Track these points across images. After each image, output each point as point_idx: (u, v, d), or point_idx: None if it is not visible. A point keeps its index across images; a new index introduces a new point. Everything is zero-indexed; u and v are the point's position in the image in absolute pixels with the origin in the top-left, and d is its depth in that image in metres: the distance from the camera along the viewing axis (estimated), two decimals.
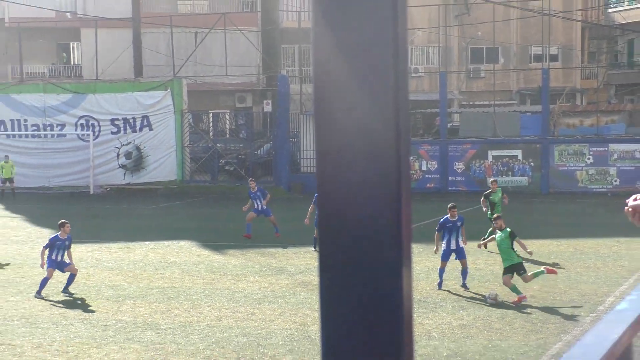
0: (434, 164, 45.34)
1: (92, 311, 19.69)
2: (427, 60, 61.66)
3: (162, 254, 27.02)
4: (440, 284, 21.81)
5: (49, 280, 21.29)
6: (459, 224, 22.51)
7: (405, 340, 2.02)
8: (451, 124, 50.59)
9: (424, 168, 45.23)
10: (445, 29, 57.85)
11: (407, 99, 2.18)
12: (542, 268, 21.39)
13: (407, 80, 2.20)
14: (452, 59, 61.48)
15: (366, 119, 2.07)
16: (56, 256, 21.49)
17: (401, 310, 1.99)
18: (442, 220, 22.76)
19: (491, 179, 34.72)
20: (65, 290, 21.50)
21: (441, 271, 21.98)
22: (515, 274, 20.52)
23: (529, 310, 19.39)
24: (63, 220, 22.11)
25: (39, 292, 21.20)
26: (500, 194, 28.42)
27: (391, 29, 2.06)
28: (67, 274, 21.68)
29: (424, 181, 44.88)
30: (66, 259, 21.67)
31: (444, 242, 22.38)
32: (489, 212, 27.82)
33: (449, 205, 23.01)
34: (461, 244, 22.27)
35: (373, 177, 2.04)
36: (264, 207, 29.17)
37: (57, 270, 21.41)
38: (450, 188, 44.50)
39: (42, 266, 21.37)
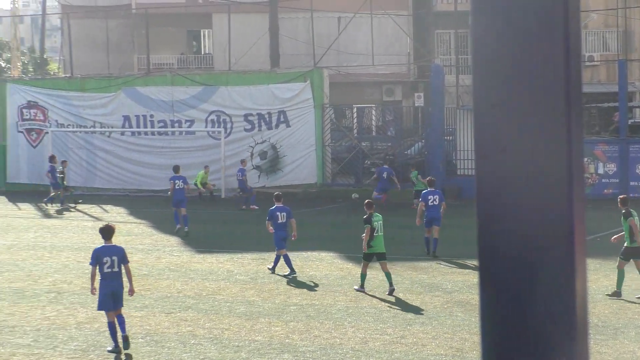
0: (612, 167, 44.36)
1: (224, 329, 19.98)
2: (604, 46, 60.41)
3: (300, 267, 27.25)
4: None
5: None
6: None
7: None
8: (632, 120, 49.41)
9: (600, 171, 44.27)
10: (624, 11, 56.57)
11: (580, 91, 2.14)
12: None
13: (580, 69, 2.16)
14: (633, 44, 60.06)
15: (533, 114, 2.04)
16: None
17: (574, 336, 1.96)
18: None
19: None
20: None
21: None
22: None
23: None
24: None
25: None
26: None
27: (562, 10, 2.03)
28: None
29: (601, 186, 43.89)
30: None
31: None
32: None
33: None
34: None
35: (541, 182, 2.01)
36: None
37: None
38: (632, 194, 43.46)
39: None
